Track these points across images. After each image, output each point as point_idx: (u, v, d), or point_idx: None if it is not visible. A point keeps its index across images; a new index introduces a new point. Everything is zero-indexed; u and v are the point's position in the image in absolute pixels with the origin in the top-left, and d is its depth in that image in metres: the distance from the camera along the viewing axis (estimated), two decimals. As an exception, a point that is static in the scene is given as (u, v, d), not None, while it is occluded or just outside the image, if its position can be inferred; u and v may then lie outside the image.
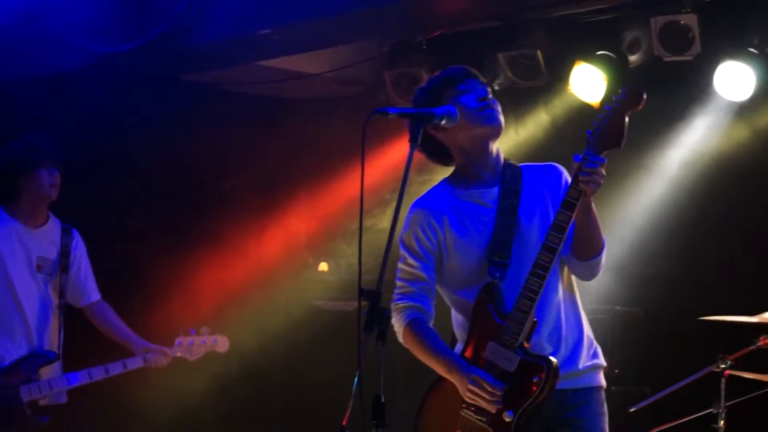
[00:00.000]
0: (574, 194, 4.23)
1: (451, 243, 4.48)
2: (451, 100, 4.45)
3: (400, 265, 4.54)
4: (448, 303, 4.60)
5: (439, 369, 4.43)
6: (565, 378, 4.32)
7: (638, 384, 7.24)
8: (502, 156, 4.60)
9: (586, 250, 4.41)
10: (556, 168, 4.63)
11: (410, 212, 4.54)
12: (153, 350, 6.78)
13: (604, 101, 4.35)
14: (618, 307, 7.69)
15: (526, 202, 4.49)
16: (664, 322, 7.74)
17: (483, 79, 4.59)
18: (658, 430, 6.48)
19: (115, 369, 6.66)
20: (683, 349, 7.25)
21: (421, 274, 4.49)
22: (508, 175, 4.54)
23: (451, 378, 4.36)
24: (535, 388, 4.22)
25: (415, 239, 4.51)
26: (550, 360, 4.25)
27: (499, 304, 4.36)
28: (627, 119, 4.25)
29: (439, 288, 4.57)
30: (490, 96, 4.51)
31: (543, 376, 4.21)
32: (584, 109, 7.74)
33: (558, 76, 7.79)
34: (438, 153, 4.59)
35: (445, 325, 4.62)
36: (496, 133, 4.52)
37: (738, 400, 6.20)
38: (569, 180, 4.48)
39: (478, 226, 4.47)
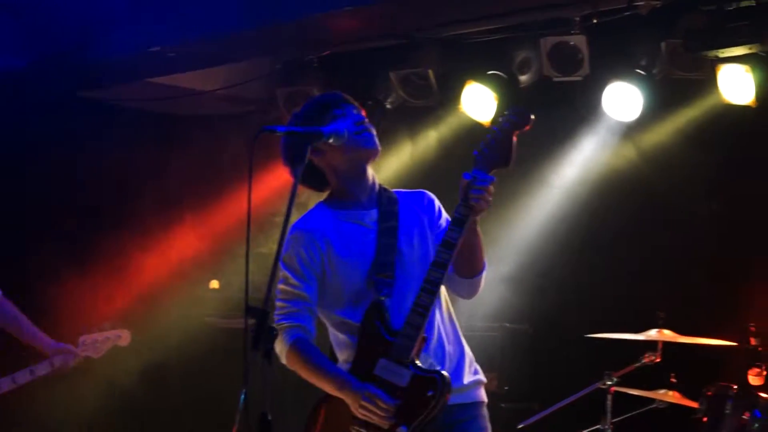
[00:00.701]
0: (464, 212, 4.28)
1: (334, 263, 4.48)
2: (329, 123, 4.46)
3: (281, 286, 4.50)
4: (328, 324, 4.58)
5: (329, 387, 4.40)
6: (452, 393, 4.33)
7: (527, 401, 7.30)
8: (376, 180, 4.64)
9: (469, 267, 4.48)
10: (427, 194, 4.68)
11: (291, 233, 4.50)
12: (62, 351, 6.58)
13: (493, 121, 4.42)
14: (508, 324, 7.75)
15: (405, 225, 4.53)
16: (552, 339, 7.83)
17: (357, 105, 4.61)
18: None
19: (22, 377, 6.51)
20: (571, 366, 7.34)
21: (304, 294, 4.47)
22: (385, 198, 4.59)
23: (342, 395, 4.34)
24: (429, 402, 4.23)
25: (297, 260, 4.48)
26: (442, 374, 4.28)
27: (387, 321, 4.36)
28: (515, 139, 4.30)
29: (319, 309, 4.55)
30: (367, 120, 4.55)
31: (437, 390, 4.23)
32: (475, 128, 7.82)
33: (449, 95, 7.85)
34: (311, 177, 4.57)
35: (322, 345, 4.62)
36: (373, 155, 4.54)
37: (624, 416, 6.29)
38: (440, 205, 4.62)
39: (360, 247, 4.49)
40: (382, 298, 4.39)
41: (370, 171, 4.58)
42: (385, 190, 4.64)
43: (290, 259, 4.49)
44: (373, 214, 4.54)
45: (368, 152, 4.52)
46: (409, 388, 4.25)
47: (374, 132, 4.53)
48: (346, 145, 4.43)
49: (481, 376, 4.56)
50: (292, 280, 4.47)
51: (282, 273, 4.50)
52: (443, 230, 4.48)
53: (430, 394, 4.24)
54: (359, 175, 4.55)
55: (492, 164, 4.30)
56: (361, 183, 4.56)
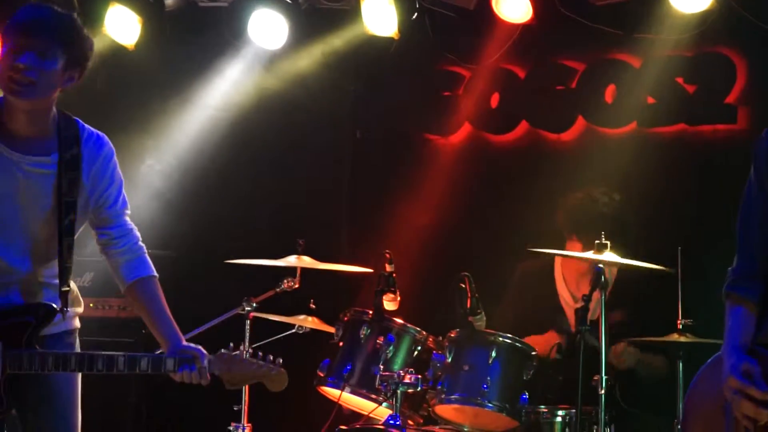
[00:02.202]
0: (167, 367, 4.31)
1: None
2: None
3: None
4: None
5: None
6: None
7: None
8: (55, 111, 4.35)
9: None
10: (107, 146, 4.46)
11: None
12: None
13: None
14: (151, 251, 7.64)
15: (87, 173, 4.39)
16: (195, 265, 7.79)
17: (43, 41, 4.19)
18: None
19: None
20: (213, 292, 7.33)
21: None
22: (66, 136, 4.33)
23: None
24: None
25: None
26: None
27: None
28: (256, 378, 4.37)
29: None
30: (25, 65, 4.15)
31: None
32: (118, 52, 7.64)
33: (92, 17, 7.60)
34: None
35: None
36: (24, 107, 4.24)
37: (264, 342, 6.34)
38: (117, 168, 4.47)
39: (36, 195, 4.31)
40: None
41: (46, 104, 4.29)
42: (66, 120, 4.38)
43: None
44: (49, 160, 4.32)
45: (16, 103, 4.22)
46: None
47: (34, 78, 4.16)
48: None
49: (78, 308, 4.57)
50: None
51: None
52: (105, 192, 4.42)
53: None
54: (17, 117, 4.27)
55: (215, 369, 4.31)
56: (29, 124, 4.29)
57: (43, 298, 4.36)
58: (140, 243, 4.59)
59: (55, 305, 4.31)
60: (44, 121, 4.32)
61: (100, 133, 4.49)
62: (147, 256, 4.62)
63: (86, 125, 4.45)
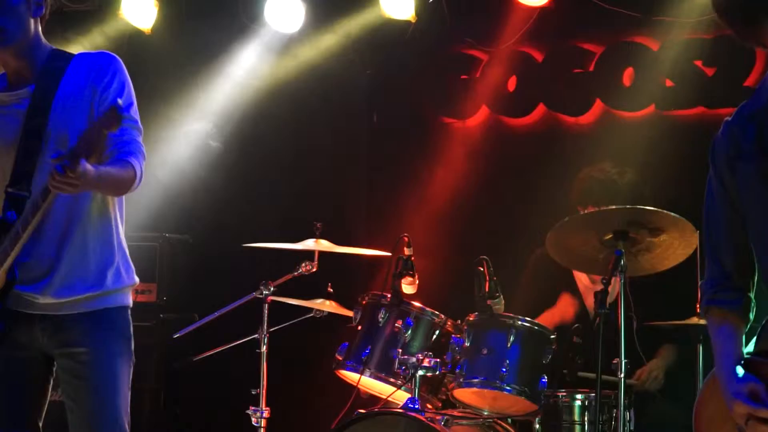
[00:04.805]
0: (42, 195, 3.96)
1: None
2: None
3: None
4: None
5: None
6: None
7: (187, 311, 7.27)
8: (44, 45, 4.21)
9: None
10: (109, 56, 4.23)
11: None
12: None
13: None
14: (167, 234, 7.66)
15: (62, 99, 4.14)
16: (212, 249, 7.80)
17: None
18: (205, 355, 6.54)
19: None
20: (231, 276, 7.35)
21: None
22: (51, 68, 4.16)
23: None
24: None
25: None
26: None
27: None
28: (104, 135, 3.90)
29: None
30: None
31: None
32: (135, 35, 7.63)
33: (109, 1, 7.62)
34: None
35: None
36: (7, 54, 4.15)
37: (282, 325, 6.34)
38: (124, 76, 4.21)
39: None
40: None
41: (26, 42, 4.16)
42: (59, 55, 4.23)
43: None
44: (26, 91, 4.15)
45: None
46: None
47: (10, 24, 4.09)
48: None
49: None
50: None
51: None
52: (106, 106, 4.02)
53: None
54: (11, 65, 4.19)
55: (79, 154, 3.81)
56: (18, 65, 4.19)
57: None
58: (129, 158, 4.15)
59: None
60: (31, 57, 4.18)
61: (103, 51, 4.29)
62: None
63: (91, 53, 4.29)
